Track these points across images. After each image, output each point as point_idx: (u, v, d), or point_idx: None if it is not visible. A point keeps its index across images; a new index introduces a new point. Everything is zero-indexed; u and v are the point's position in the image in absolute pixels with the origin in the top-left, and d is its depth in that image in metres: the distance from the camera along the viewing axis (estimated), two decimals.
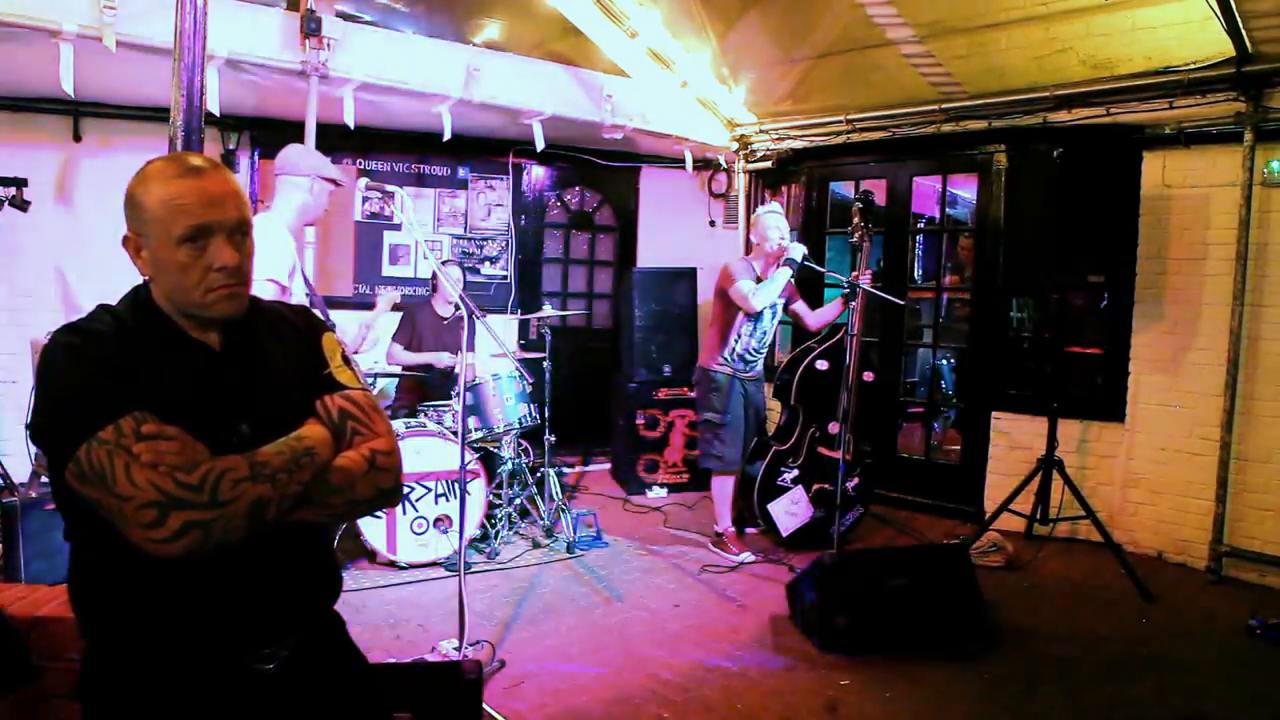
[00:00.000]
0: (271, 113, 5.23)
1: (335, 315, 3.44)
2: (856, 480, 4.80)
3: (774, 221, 4.58)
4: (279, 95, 4.69)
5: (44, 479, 4.00)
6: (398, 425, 4.36)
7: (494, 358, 5.46)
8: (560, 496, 5.00)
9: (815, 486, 4.71)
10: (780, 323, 4.81)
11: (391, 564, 4.21)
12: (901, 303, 4.99)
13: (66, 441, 1.26)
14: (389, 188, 3.14)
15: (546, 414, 4.94)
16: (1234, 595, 4.19)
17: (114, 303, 1.44)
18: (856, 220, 4.22)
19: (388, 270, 6.14)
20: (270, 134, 5.41)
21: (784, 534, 4.68)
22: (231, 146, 5.46)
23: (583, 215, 7.05)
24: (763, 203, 6.18)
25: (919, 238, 7.06)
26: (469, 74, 4.84)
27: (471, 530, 4.43)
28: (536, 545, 4.71)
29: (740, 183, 6.64)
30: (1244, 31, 3.84)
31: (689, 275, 6.35)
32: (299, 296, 3.01)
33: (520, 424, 4.71)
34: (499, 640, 3.44)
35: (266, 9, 4.24)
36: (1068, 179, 4.24)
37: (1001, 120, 5.06)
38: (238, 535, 1.29)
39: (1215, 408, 4.42)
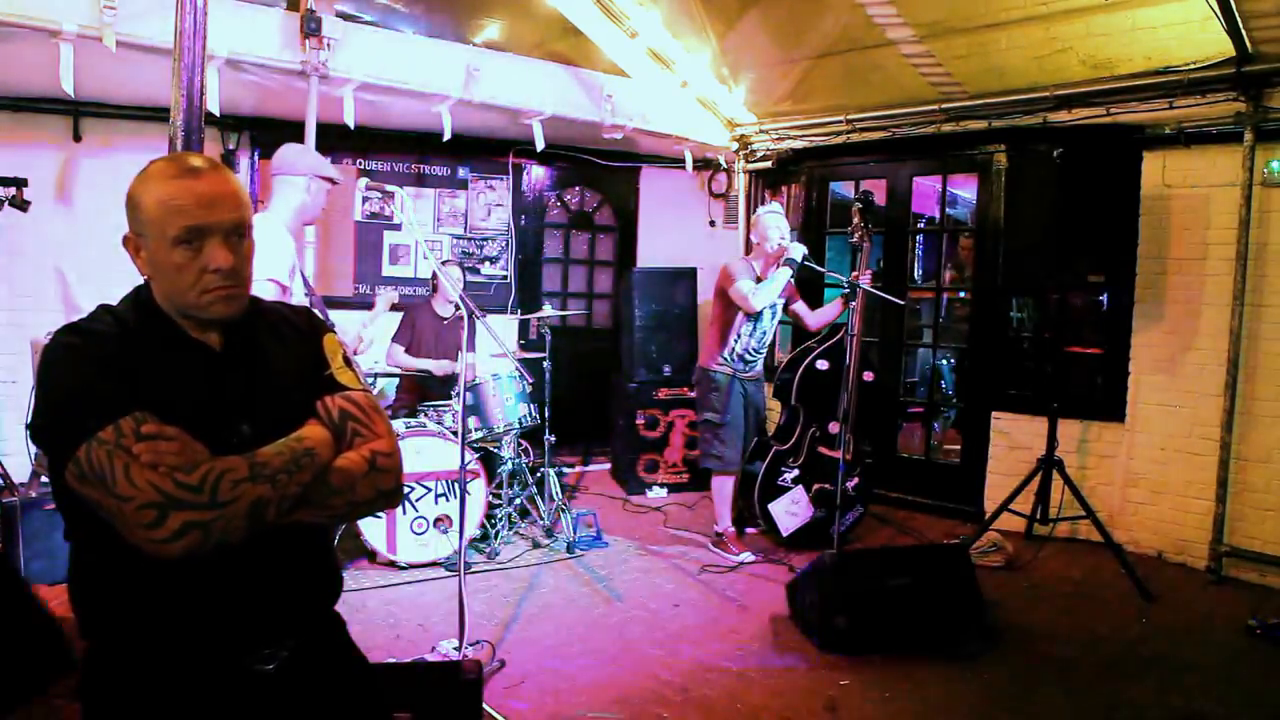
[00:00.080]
0: (271, 113, 5.23)
1: (334, 315, 3.44)
2: (856, 480, 4.80)
3: (774, 221, 4.59)
4: (279, 95, 4.69)
5: (44, 479, 4.00)
6: (398, 425, 4.37)
7: (494, 358, 5.46)
8: (560, 496, 5.00)
9: (815, 486, 4.71)
10: (780, 323, 4.81)
11: (391, 564, 4.21)
12: (901, 303, 4.99)
13: (66, 442, 1.27)
14: (389, 188, 3.13)
15: (546, 414, 4.94)
16: (1234, 595, 4.19)
17: (115, 303, 1.44)
18: (856, 220, 4.22)
19: (388, 270, 6.14)
20: (270, 134, 5.41)
21: (784, 534, 4.68)
22: (231, 146, 5.46)
23: (583, 215, 7.05)
24: (763, 203, 6.18)
25: (919, 238, 7.06)
26: (469, 74, 4.84)
27: (471, 530, 4.43)
28: (536, 545, 4.71)
29: (740, 183, 6.64)
30: (1244, 31, 3.84)
31: (689, 275, 6.35)
32: (298, 297, 3.01)
33: (520, 424, 4.71)
34: (499, 640, 3.44)
35: (266, 9, 4.24)
36: (1068, 179, 4.24)
37: (1001, 120, 5.06)
38: (237, 536, 1.29)
39: (1215, 408, 4.42)
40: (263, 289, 2.58)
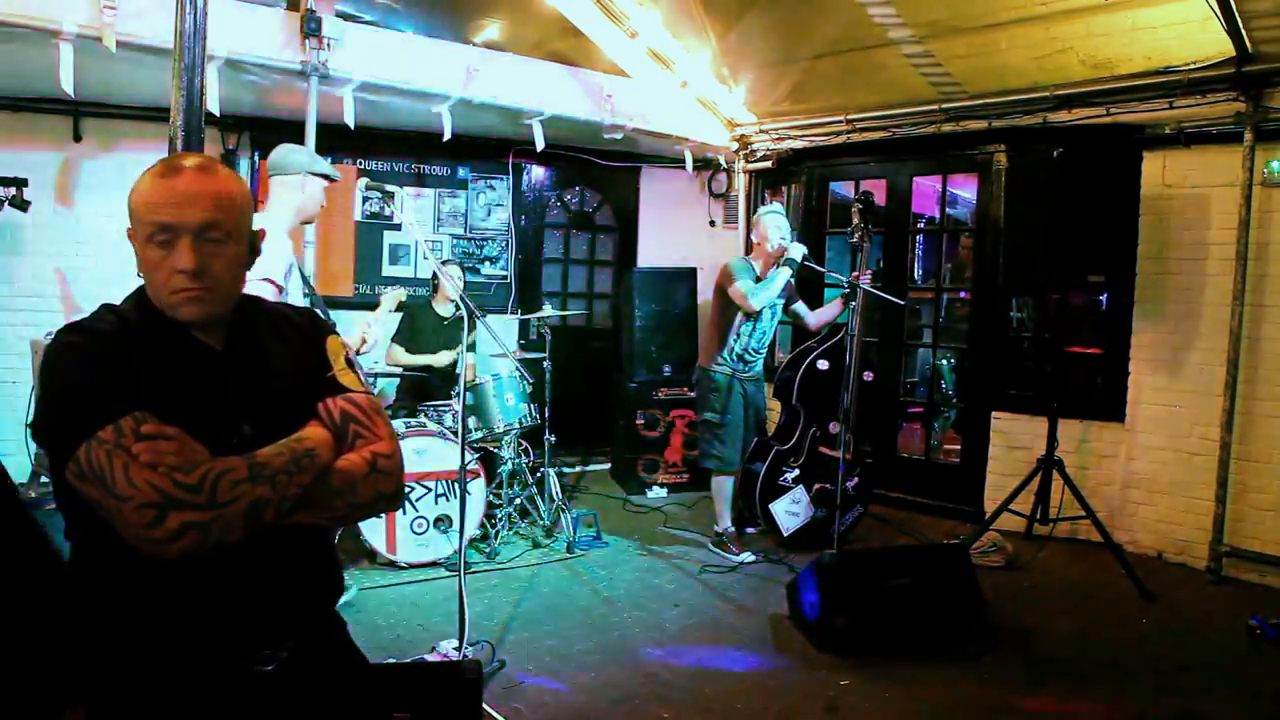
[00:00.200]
0: (271, 113, 5.22)
1: (337, 315, 3.43)
2: (856, 480, 4.80)
3: (774, 221, 4.59)
4: (279, 95, 4.69)
5: (44, 479, 4.00)
6: (398, 424, 4.37)
7: (494, 358, 5.46)
8: (560, 496, 5.00)
9: (816, 486, 4.71)
10: (780, 323, 4.81)
11: (391, 564, 4.22)
12: (901, 303, 4.99)
13: (67, 441, 1.27)
14: (389, 188, 3.14)
15: (546, 414, 4.94)
16: (1234, 595, 4.19)
17: (118, 302, 1.44)
18: (856, 220, 4.22)
19: (388, 270, 6.14)
20: (270, 134, 5.40)
21: (785, 533, 4.68)
22: (231, 146, 5.46)
23: (583, 215, 7.05)
24: (763, 202, 6.18)
25: (919, 238, 7.06)
26: (469, 74, 4.83)
27: (471, 530, 4.43)
28: (536, 545, 4.71)
29: (740, 183, 6.64)
30: (1244, 31, 3.84)
31: (689, 275, 6.35)
32: (296, 296, 3.00)
33: (520, 424, 4.72)
34: (499, 640, 3.43)
35: (266, 9, 4.24)
36: (1068, 179, 4.24)
37: (1001, 120, 5.05)
38: (236, 536, 1.29)
39: (1215, 408, 4.42)
40: (258, 289, 2.58)
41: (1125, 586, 4.15)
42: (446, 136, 5.08)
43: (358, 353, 4.40)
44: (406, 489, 4.12)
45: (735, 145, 6.44)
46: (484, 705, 2.62)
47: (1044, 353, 5.14)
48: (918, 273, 7.44)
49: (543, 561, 4.48)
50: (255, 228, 1.49)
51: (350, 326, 4.47)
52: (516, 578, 4.23)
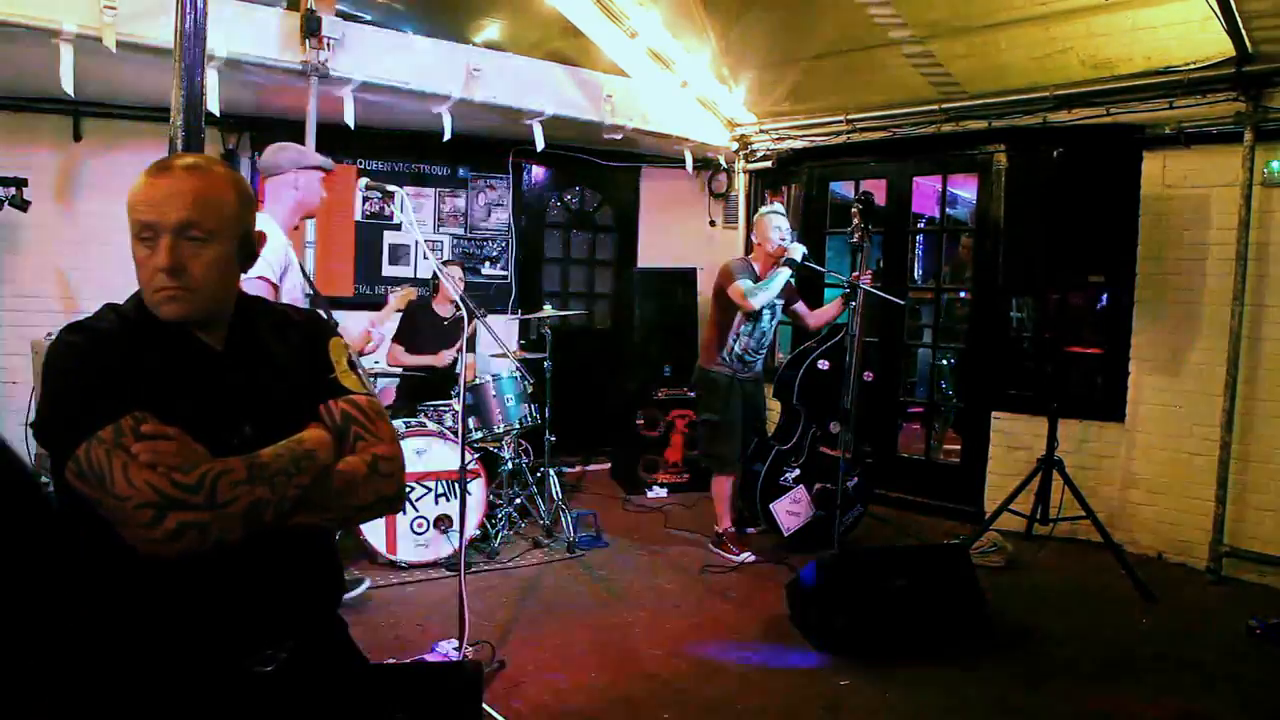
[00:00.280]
0: (271, 113, 5.23)
1: (344, 315, 3.42)
2: (856, 480, 4.80)
3: (775, 221, 4.59)
4: (279, 95, 4.69)
5: (44, 478, 3.99)
6: (397, 424, 4.36)
7: (494, 358, 5.46)
8: (560, 496, 5.00)
9: (816, 486, 4.71)
10: (780, 323, 4.82)
11: (391, 564, 4.21)
12: (901, 303, 4.99)
13: (67, 440, 1.27)
14: (389, 188, 3.13)
15: (546, 414, 4.94)
16: (1234, 595, 4.19)
17: (120, 302, 1.44)
18: (856, 220, 4.22)
19: (388, 270, 6.14)
20: (270, 134, 5.38)
21: (786, 533, 4.68)
22: (231, 146, 5.46)
23: (583, 215, 7.05)
24: (763, 203, 6.18)
25: (919, 238, 7.07)
26: (469, 74, 4.84)
27: (471, 530, 4.43)
28: (536, 545, 4.71)
29: (740, 183, 6.64)
30: (1244, 31, 3.84)
31: (689, 275, 6.35)
32: (292, 295, 2.99)
33: (520, 424, 4.71)
34: (499, 640, 3.43)
35: (266, 9, 4.24)
36: (1068, 179, 4.24)
37: (1001, 120, 5.06)
38: (234, 537, 1.29)
39: (1215, 408, 4.42)
40: (252, 287, 2.57)
41: (1125, 587, 4.15)
42: (446, 136, 5.08)
43: (362, 353, 4.41)
44: (406, 489, 4.13)
45: (735, 145, 6.45)
46: (484, 705, 2.62)
47: (1044, 353, 5.14)
48: (918, 273, 7.44)
49: (543, 561, 4.48)
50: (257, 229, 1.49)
51: (353, 327, 4.47)
52: (516, 578, 4.23)
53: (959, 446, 5.75)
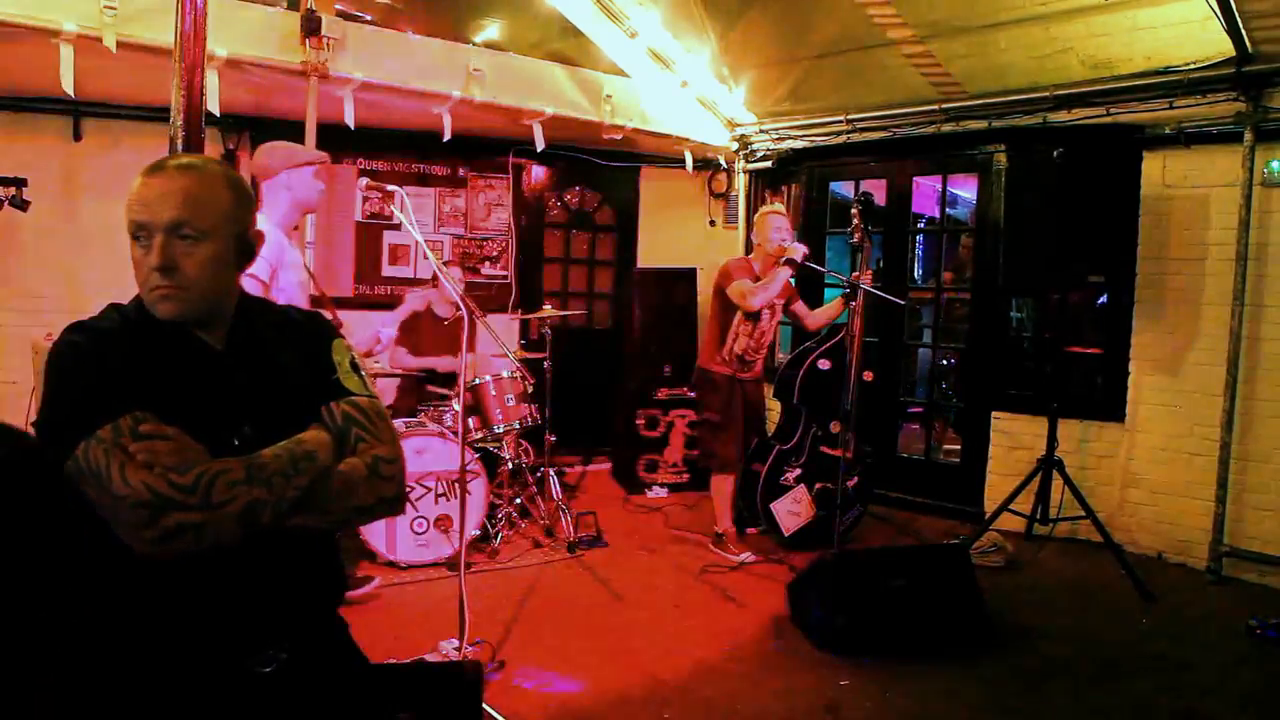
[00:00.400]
0: (271, 113, 5.22)
1: (351, 315, 3.41)
2: (856, 480, 4.80)
3: (775, 221, 4.59)
4: (279, 95, 4.69)
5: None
6: (397, 424, 4.37)
7: (494, 358, 5.45)
8: (560, 496, 5.00)
9: (817, 486, 4.71)
10: (780, 323, 4.81)
11: (391, 564, 4.21)
12: (901, 303, 4.99)
13: (66, 439, 1.27)
14: (389, 188, 3.12)
15: (547, 414, 4.94)
16: (1234, 595, 4.19)
17: (122, 302, 1.44)
18: (856, 220, 4.22)
19: (388, 270, 6.14)
20: (270, 134, 5.32)
21: (786, 533, 4.68)
22: (231, 146, 5.46)
23: (583, 215, 7.05)
24: (763, 202, 6.18)
25: (919, 238, 7.07)
26: (469, 74, 4.84)
27: (471, 530, 4.43)
28: (536, 545, 4.71)
29: (740, 183, 6.64)
30: (1244, 31, 3.84)
31: (689, 275, 6.35)
32: (294, 295, 2.99)
33: (520, 424, 4.71)
34: (499, 640, 3.44)
35: (266, 9, 4.24)
36: (1068, 179, 4.24)
37: (1001, 120, 5.05)
38: (231, 538, 1.29)
39: (1215, 408, 4.42)
40: (244, 284, 2.56)
41: (1125, 587, 4.15)
42: (446, 137, 5.08)
43: (369, 354, 4.42)
44: (407, 489, 4.12)
45: (735, 145, 6.44)
46: (484, 705, 2.62)
47: (1044, 353, 5.14)
48: (918, 273, 7.44)
49: (543, 561, 4.48)
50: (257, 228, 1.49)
51: (355, 327, 4.48)
52: (516, 578, 4.23)
53: (959, 446, 5.75)
